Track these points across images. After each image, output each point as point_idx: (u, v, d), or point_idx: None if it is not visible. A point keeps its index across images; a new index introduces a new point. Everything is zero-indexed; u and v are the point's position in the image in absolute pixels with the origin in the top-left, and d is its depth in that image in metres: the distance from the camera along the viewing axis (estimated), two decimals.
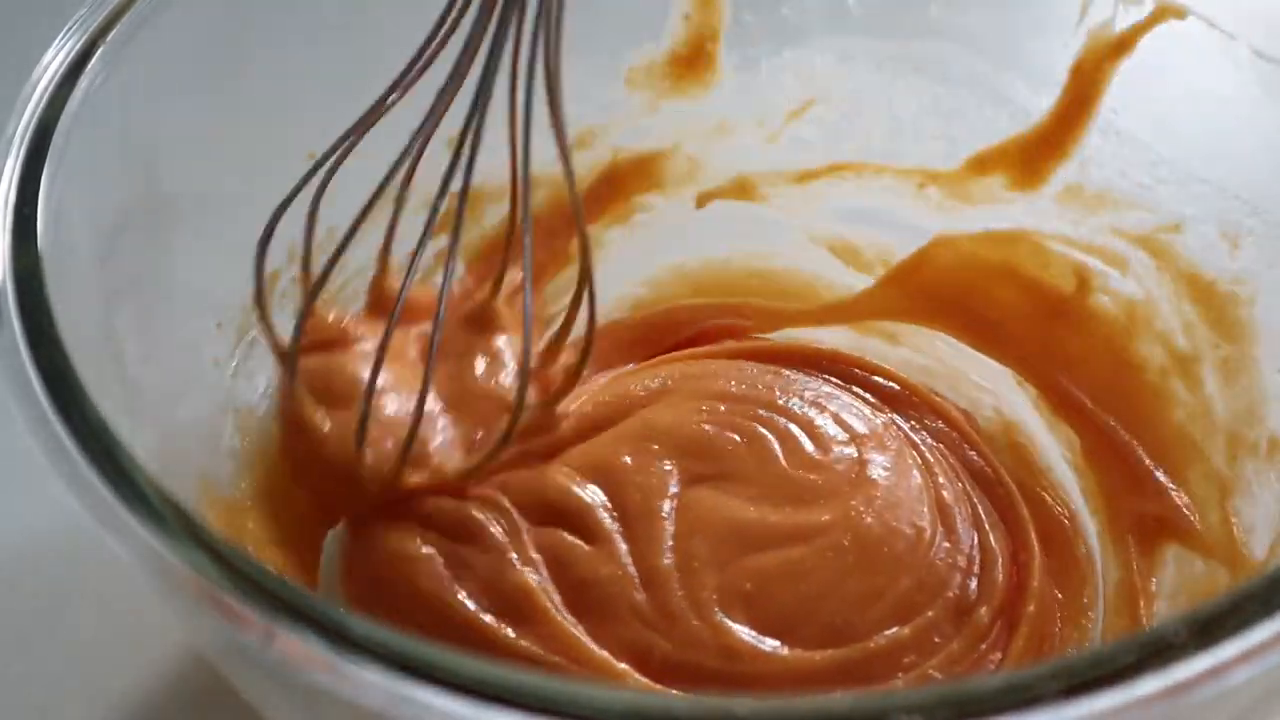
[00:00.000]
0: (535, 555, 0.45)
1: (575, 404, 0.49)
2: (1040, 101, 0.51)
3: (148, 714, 0.45)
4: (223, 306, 0.45)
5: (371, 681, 0.27)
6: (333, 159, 0.41)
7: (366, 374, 0.43)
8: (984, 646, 0.45)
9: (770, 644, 0.43)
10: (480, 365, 0.47)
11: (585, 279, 0.44)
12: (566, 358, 0.47)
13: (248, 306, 0.45)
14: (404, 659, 0.27)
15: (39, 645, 0.47)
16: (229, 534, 0.39)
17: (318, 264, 0.43)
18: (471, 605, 0.43)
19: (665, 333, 0.58)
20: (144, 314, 0.40)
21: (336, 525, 0.47)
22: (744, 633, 0.43)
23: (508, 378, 0.46)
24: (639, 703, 0.27)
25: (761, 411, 0.49)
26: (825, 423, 0.49)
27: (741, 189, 0.56)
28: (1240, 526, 0.45)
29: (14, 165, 0.37)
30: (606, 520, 0.45)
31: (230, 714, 0.40)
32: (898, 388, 0.55)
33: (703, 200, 0.56)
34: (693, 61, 0.53)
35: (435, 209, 0.42)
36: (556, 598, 0.44)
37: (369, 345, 0.45)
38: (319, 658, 0.28)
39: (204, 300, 0.44)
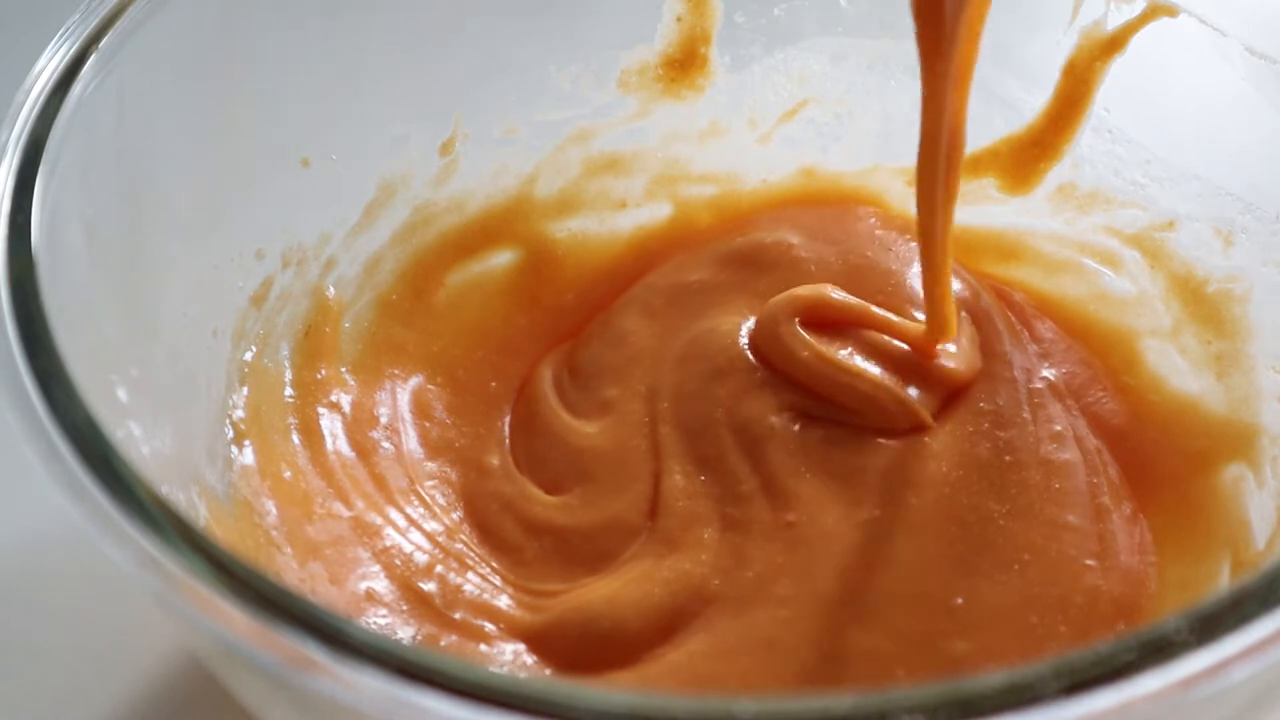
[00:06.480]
0: None
1: None
2: (1032, 100, 0.51)
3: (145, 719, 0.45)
4: (218, 313, 0.45)
5: (371, 687, 0.27)
6: None
7: None
8: None
9: None
10: None
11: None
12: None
13: (243, 312, 0.45)
14: (403, 664, 0.27)
15: (36, 649, 0.47)
16: (226, 539, 0.39)
17: None
18: None
19: None
20: (139, 320, 0.40)
21: None
22: None
23: None
24: (638, 704, 0.27)
25: None
26: None
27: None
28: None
29: (8, 171, 0.36)
30: None
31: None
32: None
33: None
34: (685, 64, 0.53)
35: None
36: None
37: None
38: (318, 663, 0.28)
39: (199, 307, 0.44)
